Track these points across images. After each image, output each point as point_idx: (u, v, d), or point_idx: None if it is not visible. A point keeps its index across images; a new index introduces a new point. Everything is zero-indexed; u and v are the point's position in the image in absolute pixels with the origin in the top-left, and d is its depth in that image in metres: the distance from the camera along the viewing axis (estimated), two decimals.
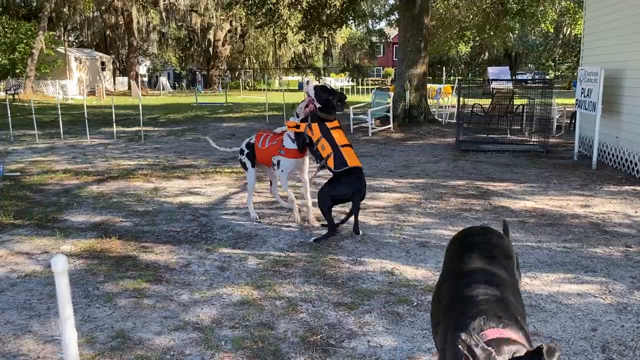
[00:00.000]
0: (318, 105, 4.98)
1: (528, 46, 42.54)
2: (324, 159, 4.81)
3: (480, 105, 12.70)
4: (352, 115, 13.50)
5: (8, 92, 29.07)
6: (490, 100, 12.83)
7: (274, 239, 4.92)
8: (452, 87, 20.77)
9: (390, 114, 13.50)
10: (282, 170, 5.25)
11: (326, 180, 5.07)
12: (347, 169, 4.75)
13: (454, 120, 14.52)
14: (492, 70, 30.77)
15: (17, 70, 30.16)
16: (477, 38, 26.19)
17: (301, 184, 5.62)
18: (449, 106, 16.26)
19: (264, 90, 31.79)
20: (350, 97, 28.82)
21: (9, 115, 12.13)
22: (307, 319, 3.36)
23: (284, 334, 3.17)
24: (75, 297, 3.70)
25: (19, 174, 8.05)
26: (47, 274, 4.12)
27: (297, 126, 5.02)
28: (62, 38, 36.70)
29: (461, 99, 10.84)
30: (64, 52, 33.15)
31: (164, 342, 3.10)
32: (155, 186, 7.27)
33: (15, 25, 29.67)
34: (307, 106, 5.11)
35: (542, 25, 20.94)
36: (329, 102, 4.96)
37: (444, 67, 40.67)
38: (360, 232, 4.96)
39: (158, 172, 8.25)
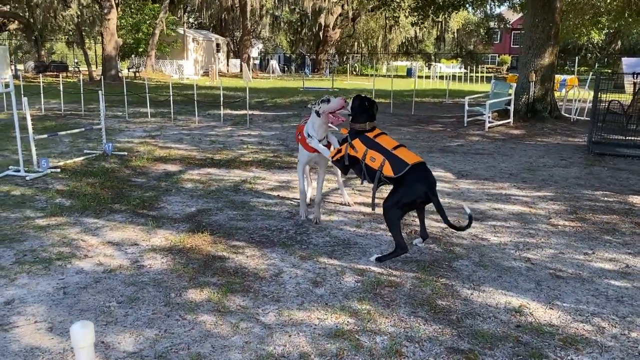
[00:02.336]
0: (350, 116, 4.48)
1: None
2: (379, 170, 4.04)
3: (618, 101, 11.09)
4: (466, 107, 12.46)
5: (130, 69, 30.98)
6: (632, 96, 11.16)
7: (376, 251, 4.32)
8: (578, 79, 18.75)
9: (512, 107, 12.27)
10: (298, 160, 5.16)
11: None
12: (409, 168, 3.94)
13: (584, 118, 12.97)
14: (627, 62, 27.49)
15: (140, 50, 31.95)
16: (614, 25, 23.44)
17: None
18: (577, 100, 14.56)
19: (371, 75, 31.08)
20: (461, 86, 27.31)
21: (125, 94, 12.56)
22: None
23: None
24: (156, 303, 3.38)
25: (126, 154, 8.13)
26: (132, 270, 3.86)
27: (339, 150, 4.46)
28: (182, 19, 38.35)
29: (599, 93, 9.45)
30: (182, 33, 34.62)
31: None
32: (255, 175, 6.96)
33: (141, 6, 31.38)
34: (333, 112, 4.76)
35: None
36: (361, 109, 4.42)
37: (566, 56, 37.25)
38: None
39: (259, 161, 7.96)
